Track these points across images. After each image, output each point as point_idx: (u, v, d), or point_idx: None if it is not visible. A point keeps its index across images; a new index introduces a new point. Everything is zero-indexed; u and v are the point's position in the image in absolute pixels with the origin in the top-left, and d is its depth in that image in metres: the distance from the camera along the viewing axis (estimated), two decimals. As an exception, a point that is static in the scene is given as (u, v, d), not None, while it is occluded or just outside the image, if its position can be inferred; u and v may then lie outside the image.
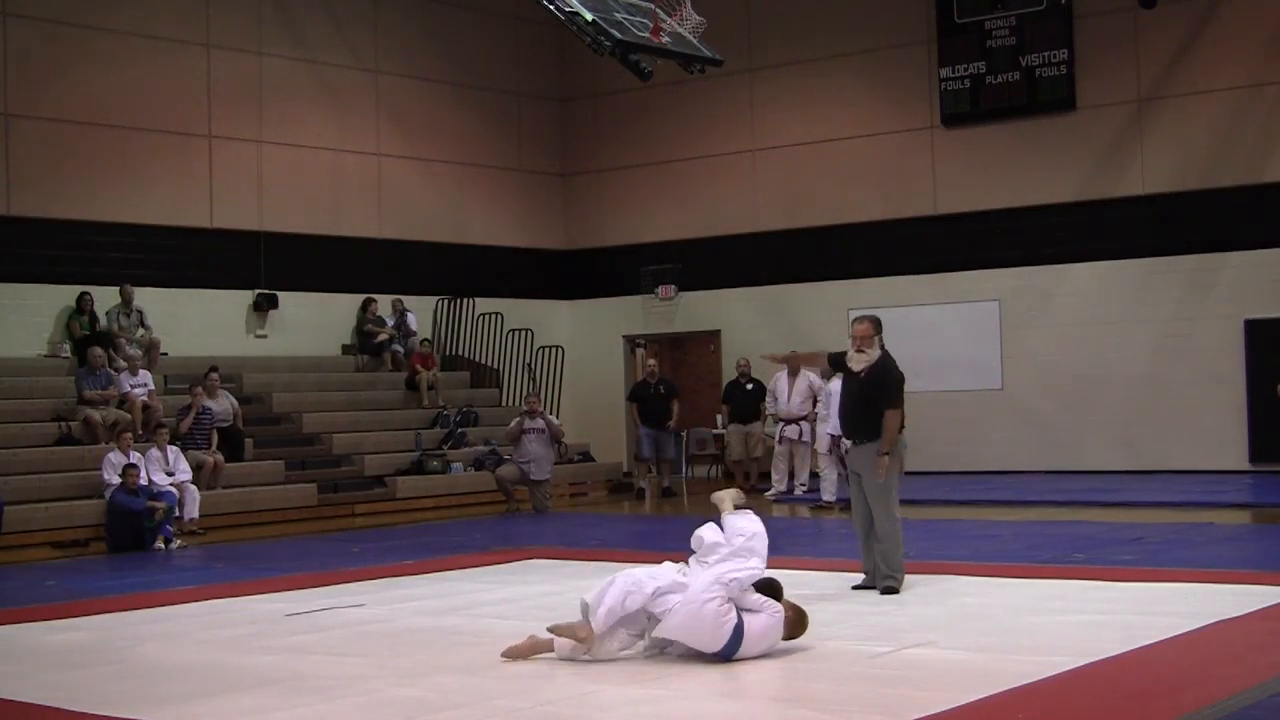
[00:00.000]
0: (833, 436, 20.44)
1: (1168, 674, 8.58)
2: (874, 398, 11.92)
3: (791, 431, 23.32)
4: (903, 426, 12.03)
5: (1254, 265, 22.94)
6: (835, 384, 21.70)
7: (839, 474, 20.61)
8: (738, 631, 8.99)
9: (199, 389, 20.88)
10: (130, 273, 22.64)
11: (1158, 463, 23.40)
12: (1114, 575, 12.71)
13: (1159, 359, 23.65)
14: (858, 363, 12.00)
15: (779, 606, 9.18)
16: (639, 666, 9.07)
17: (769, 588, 9.23)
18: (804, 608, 9.47)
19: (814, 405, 23.66)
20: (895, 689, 8.38)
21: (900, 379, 12.02)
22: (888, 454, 11.79)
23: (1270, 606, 10.74)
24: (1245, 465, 22.75)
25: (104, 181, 22.67)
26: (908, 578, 12.09)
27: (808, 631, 9.43)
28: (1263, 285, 22.80)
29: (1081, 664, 8.81)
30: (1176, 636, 9.66)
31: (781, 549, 16.61)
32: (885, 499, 11.95)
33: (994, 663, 9.02)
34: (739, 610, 9.05)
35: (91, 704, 8.60)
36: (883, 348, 12.07)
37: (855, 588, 12.04)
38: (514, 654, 9.39)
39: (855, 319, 12.32)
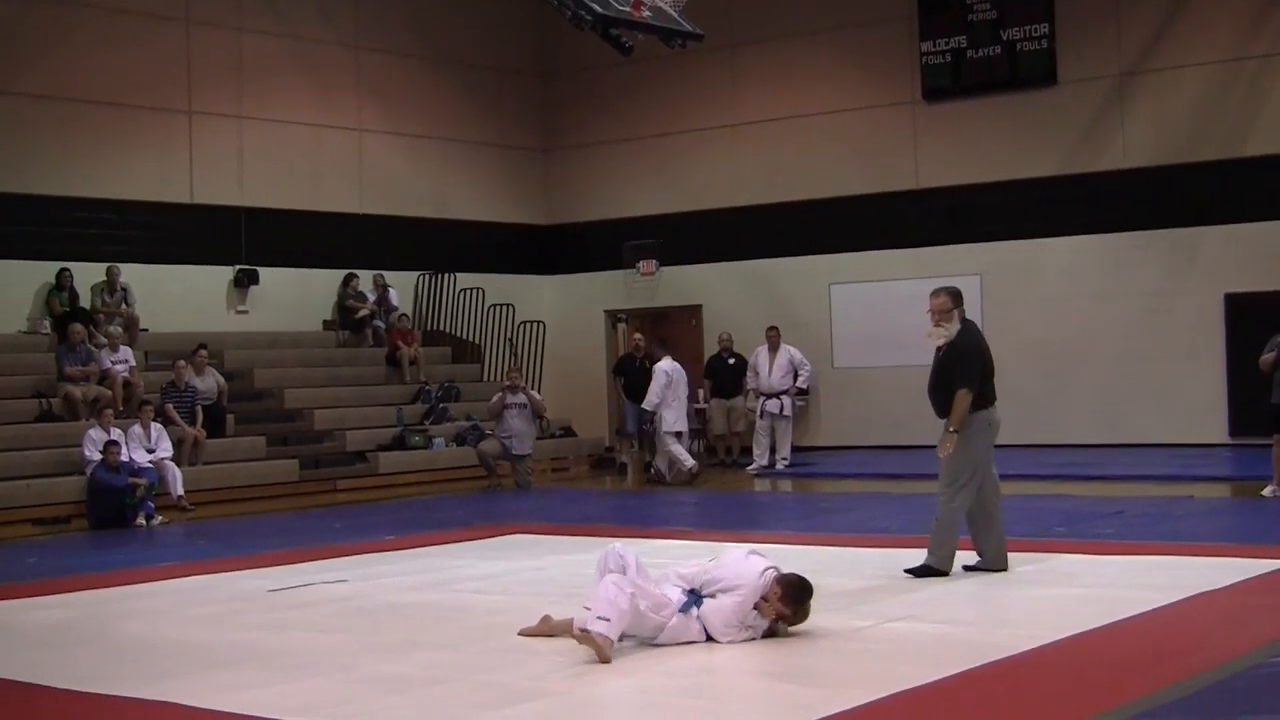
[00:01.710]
0: (649, 413, 22.42)
1: (1148, 647, 8.62)
2: (951, 375, 11.30)
3: (773, 406, 23.39)
4: (992, 400, 11.37)
5: (1234, 239, 22.97)
6: (665, 364, 22.38)
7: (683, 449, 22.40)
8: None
9: (182, 363, 20.85)
10: (110, 249, 22.59)
11: (1138, 436, 23.45)
12: (1094, 549, 12.76)
13: (1139, 333, 23.68)
14: (936, 338, 11.37)
15: (754, 586, 9.05)
16: (625, 642, 9.08)
17: (800, 588, 9.05)
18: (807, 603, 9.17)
19: (794, 380, 23.75)
20: (876, 663, 8.40)
21: (976, 353, 11.30)
22: (955, 431, 11.17)
23: (1249, 579, 10.78)
24: (1225, 439, 22.80)
25: (83, 158, 22.59)
26: (888, 553, 12.07)
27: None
28: (1243, 259, 22.82)
29: (1062, 637, 8.84)
30: (1156, 609, 9.69)
31: (763, 524, 16.68)
32: (948, 475, 11.29)
33: (975, 636, 9.05)
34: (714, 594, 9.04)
35: (73, 681, 8.60)
36: (963, 320, 11.39)
37: (967, 568, 11.39)
38: (528, 633, 9.39)
39: (932, 292, 11.52)
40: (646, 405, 22.37)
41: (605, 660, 8.57)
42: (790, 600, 8.92)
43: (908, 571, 11.21)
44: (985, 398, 11.28)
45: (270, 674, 8.63)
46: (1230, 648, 8.38)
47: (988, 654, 8.36)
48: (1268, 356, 16.67)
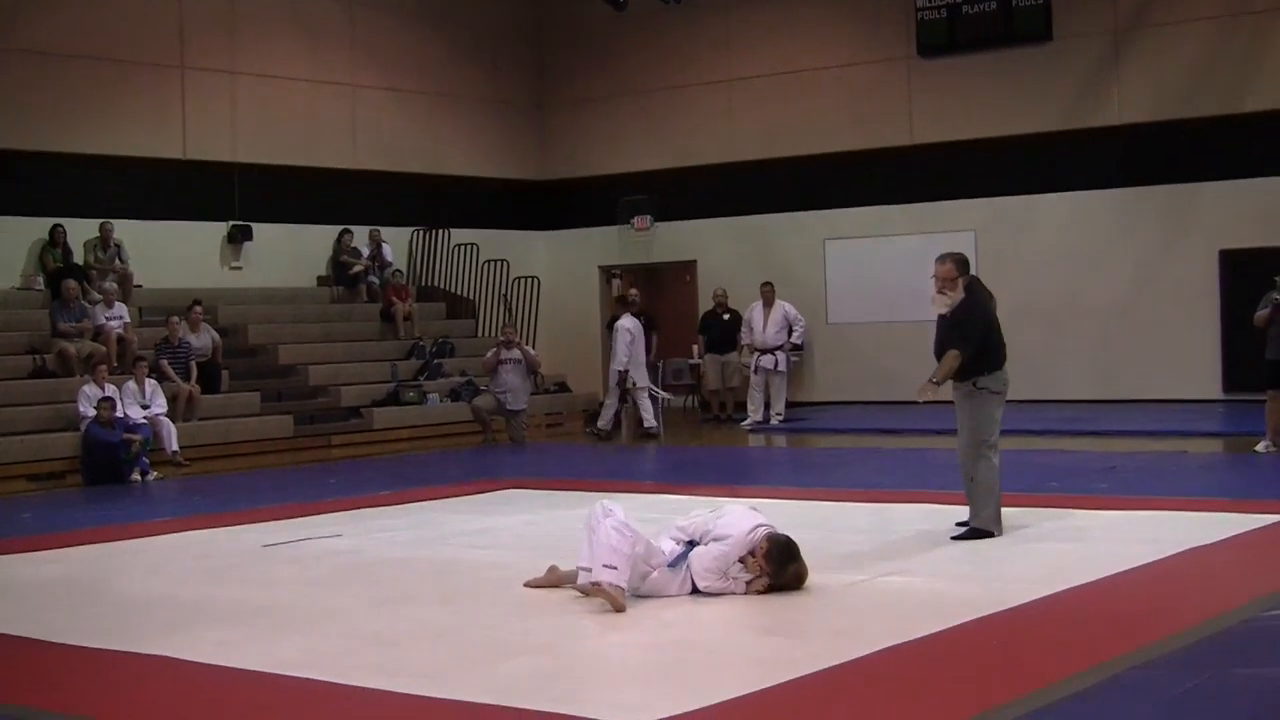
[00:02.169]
0: (619, 373, 22.64)
1: (1141, 601, 8.64)
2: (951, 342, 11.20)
3: (767, 361, 23.41)
4: (1002, 362, 11.26)
5: (1230, 195, 22.92)
6: (627, 321, 22.64)
7: (615, 406, 22.98)
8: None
9: (176, 319, 20.82)
10: (103, 205, 22.49)
11: (1132, 392, 23.46)
12: (1088, 504, 12.77)
13: (1134, 289, 23.66)
14: (940, 305, 11.27)
15: (742, 541, 9.06)
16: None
17: (784, 550, 9.03)
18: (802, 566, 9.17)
19: (789, 335, 23.75)
20: (870, 617, 8.43)
21: (977, 319, 11.15)
22: (937, 383, 11.09)
23: (1243, 534, 10.81)
24: (1219, 394, 22.81)
25: (75, 113, 22.49)
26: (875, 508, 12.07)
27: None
28: (1239, 215, 22.78)
29: (1055, 592, 8.87)
30: (1150, 564, 9.72)
31: (757, 480, 16.71)
32: (973, 438, 11.17)
33: (968, 591, 9.07)
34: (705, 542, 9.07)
35: (67, 636, 8.62)
36: (968, 288, 11.22)
37: (955, 538, 11.14)
38: (534, 584, 9.43)
39: (937, 258, 11.36)
40: (616, 365, 22.69)
41: (620, 609, 8.64)
42: (772, 560, 8.92)
43: (955, 538, 11.04)
44: (996, 359, 11.24)
45: (265, 629, 8.65)
46: (1224, 602, 8.41)
47: (981, 608, 8.38)
48: (1262, 313, 16.70)
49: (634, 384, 22.62)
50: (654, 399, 22.74)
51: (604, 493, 10.86)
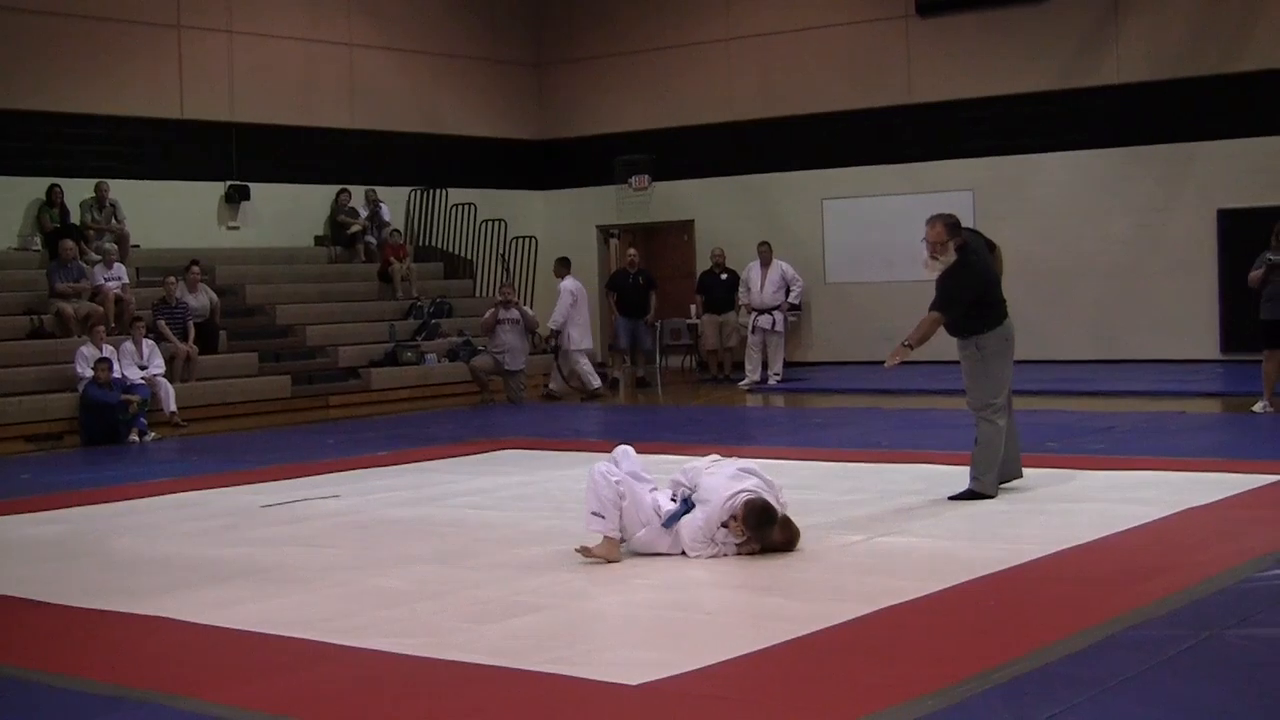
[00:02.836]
0: (553, 332, 23.15)
1: (1138, 561, 8.66)
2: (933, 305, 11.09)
3: (764, 321, 23.40)
4: (1003, 319, 11.12)
5: (1228, 155, 22.90)
6: (569, 282, 23.02)
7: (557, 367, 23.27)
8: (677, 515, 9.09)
9: (173, 279, 20.81)
10: (100, 164, 22.47)
11: (1130, 352, 23.47)
12: (1086, 464, 12.79)
13: (1132, 249, 23.65)
14: (932, 269, 11.08)
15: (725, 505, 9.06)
16: (621, 559, 9.12)
17: (760, 514, 8.97)
18: (792, 526, 9.18)
19: (786, 295, 23.74)
20: (868, 577, 8.45)
21: (964, 282, 10.92)
22: (908, 345, 10.91)
23: (1240, 494, 10.83)
24: (1216, 355, 22.82)
25: (72, 73, 22.44)
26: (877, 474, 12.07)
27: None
28: (1236, 175, 22.76)
29: (1052, 551, 8.89)
30: (1147, 524, 9.74)
31: (755, 440, 16.73)
32: (979, 399, 11.08)
33: (965, 551, 9.09)
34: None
35: (67, 596, 8.65)
36: (960, 249, 10.97)
37: (952, 498, 11.06)
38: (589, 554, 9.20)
39: (928, 220, 11.16)
40: (551, 324, 23.07)
41: (613, 559, 8.82)
42: (749, 525, 8.92)
43: (952, 498, 10.99)
44: (996, 317, 11.11)
45: (263, 589, 8.67)
46: (1220, 561, 8.43)
47: (978, 568, 8.41)
48: (1256, 273, 16.73)
49: (566, 345, 22.92)
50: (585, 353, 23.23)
51: (601, 453, 10.86)
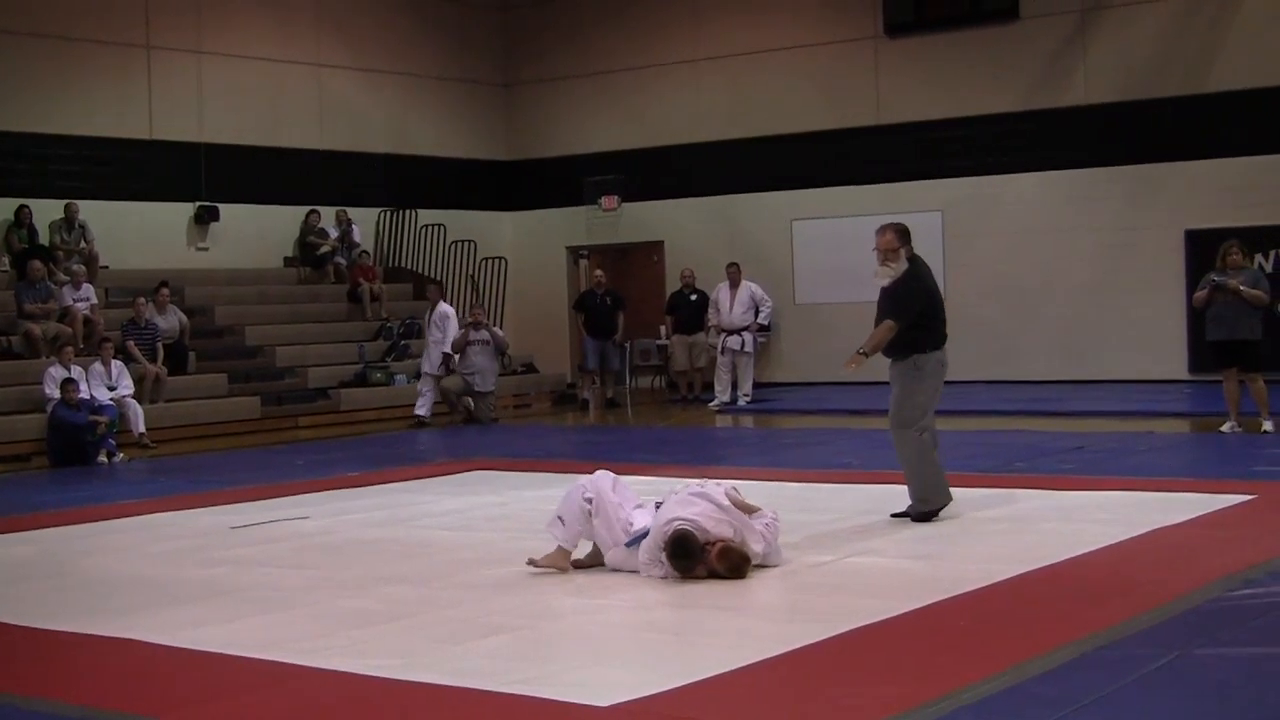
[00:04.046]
0: (445, 354, 22.12)
1: (1108, 580, 8.67)
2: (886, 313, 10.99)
3: (733, 342, 23.42)
4: (941, 342, 11.06)
5: (1196, 175, 23.00)
6: (449, 307, 22.44)
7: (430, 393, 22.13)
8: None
9: (142, 300, 20.76)
10: (69, 185, 22.44)
11: (1099, 372, 23.54)
12: (1055, 484, 12.81)
13: (1101, 269, 23.73)
14: (881, 277, 10.98)
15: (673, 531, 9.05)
16: (592, 578, 9.12)
17: (674, 545, 8.87)
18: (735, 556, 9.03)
19: (755, 316, 23.75)
20: (838, 596, 8.45)
21: (916, 293, 10.92)
22: (864, 353, 10.93)
23: (1208, 514, 10.85)
24: (1185, 375, 22.89)
25: (41, 93, 22.39)
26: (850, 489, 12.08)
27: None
28: (1204, 196, 22.86)
29: (1022, 571, 8.90)
30: (1116, 544, 9.75)
31: (725, 460, 16.72)
32: (901, 420, 10.96)
33: (936, 571, 9.09)
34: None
35: (36, 618, 8.60)
36: (911, 258, 10.98)
37: (895, 515, 11.00)
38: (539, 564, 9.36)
39: (878, 229, 11.09)
40: (452, 350, 22.21)
41: (563, 569, 9.11)
42: (666, 555, 8.90)
43: (896, 516, 10.92)
44: (936, 338, 11.04)
45: (233, 610, 8.64)
46: (1189, 581, 8.44)
47: (949, 588, 8.41)
48: (1201, 294, 16.80)
49: (456, 368, 22.26)
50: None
51: (571, 473, 10.85)
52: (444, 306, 22.54)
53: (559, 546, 9.22)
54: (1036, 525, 10.65)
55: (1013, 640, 7.31)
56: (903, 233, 11.03)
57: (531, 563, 9.24)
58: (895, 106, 25.36)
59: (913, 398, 10.96)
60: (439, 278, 26.56)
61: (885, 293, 11.03)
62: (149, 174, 23.68)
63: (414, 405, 22.18)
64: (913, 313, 10.88)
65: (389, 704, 6.60)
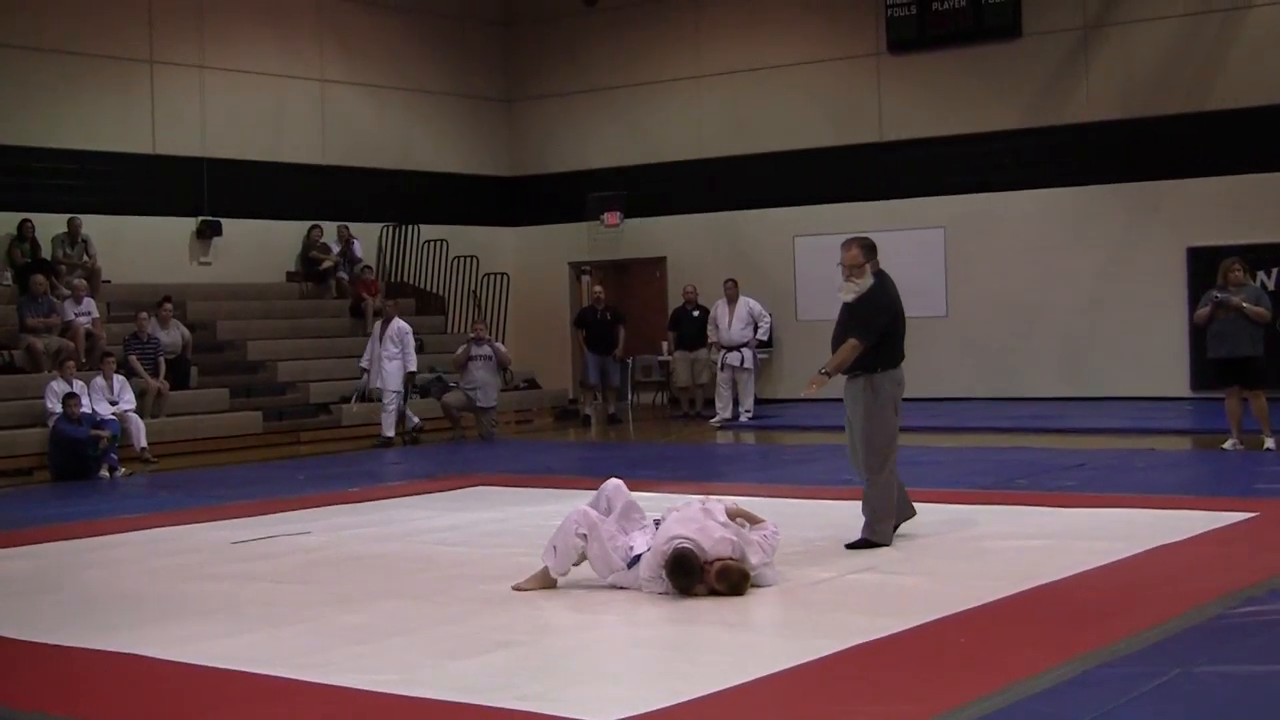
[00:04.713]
0: (408, 373, 21.60)
1: (1109, 598, 8.66)
2: (850, 330, 10.83)
3: (733, 358, 23.39)
4: (899, 360, 10.92)
5: (1197, 193, 23.01)
6: (398, 323, 21.68)
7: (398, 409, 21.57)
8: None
9: (144, 314, 20.78)
10: (72, 199, 22.44)
11: (1100, 389, 23.53)
12: (1056, 501, 12.81)
13: (1102, 286, 23.73)
14: (846, 292, 10.84)
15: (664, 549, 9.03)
16: (592, 595, 9.12)
17: (673, 563, 8.87)
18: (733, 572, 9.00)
19: (754, 332, 23.72)
20: (838, 614, 8.44)
21: (881, 308, 10.79)
22: (826, 373, 10.74)
23: (1210, 531, 10.85)
24: (1186, 392, 22.88)
25: (44, 107, 22.41)
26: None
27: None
28: (1206, 213, 22.87)
29: (1024, 589, 8.89)
30: (1118, 561, 9.74)
31: (726, 476, 16.72)
32: (868, 445, 10.73)
33: (937, 587, 9.09)
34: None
35: (36, 632, 8.59)
36: (876, 274, 10.83)
37: (849, 546, 10.62)
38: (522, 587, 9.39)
39: (843, 243, 10.89)
40: (415, 368, 21.88)
41: (539, 588, 9.20)
42: (666, 572, 8.91)
43: (848, 546, 10.60)
44: (895, 356, 10.87)
45: (234, 625, 8.63)
46: (1191, 598, 8.43)
47: (950, 605, 8.40)
48: (1203, 311, 16.78)
49: (379, 388, 21.70)
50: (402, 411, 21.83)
51: (573, 490, 10.85)
52: (400, 323, 21.94)
53: (545, 568, 9.24)
54: (1037, 542, 10.64)
55: (1013, 658, 7.30)
56: (868, 248, 10.88)
57: (518, 589, 9.27)
58: (898, 123, 25.38)
59: (883, 426, 10.74)
60: (441, 293, 26.61)
61: (849, 309, 10.88)
62: (152, 188, 23.69)
63: (420, 419, 22.18)
64: (878, 331, 10.72)
65: (389, 719, 6.59)
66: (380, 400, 21.76)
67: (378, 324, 22.15)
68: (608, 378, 24.61)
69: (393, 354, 21.63)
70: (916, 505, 11.40)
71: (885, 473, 10.69)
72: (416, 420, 22.15)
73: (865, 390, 10.78)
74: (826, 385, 10.84)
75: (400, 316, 22.34)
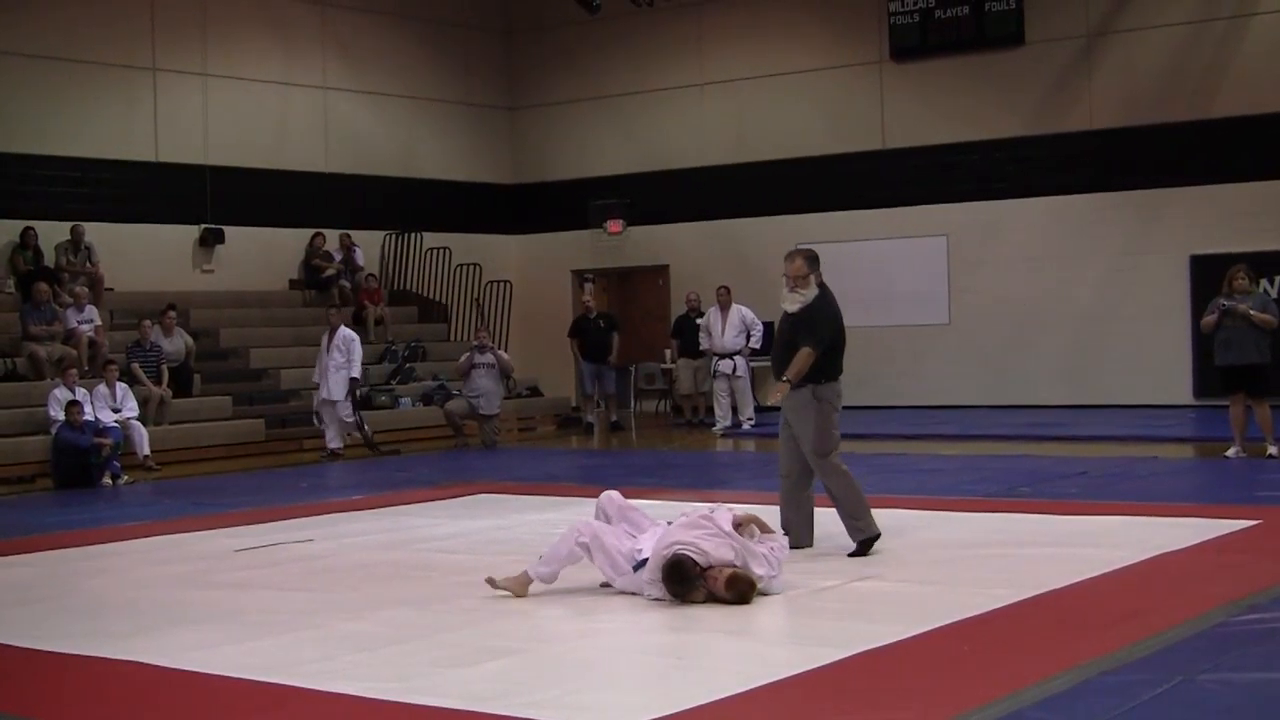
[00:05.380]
0: (352, 380, 21.11)
1: (1112, 605, 8.65)
2: (801, 337, 10.81)
3: (725, 366, 23.36)
4: (839, 372, 10.98)
5: (1200, 200, 23.02)
6: (344, 331, 21.12)
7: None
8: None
9: (147, 322, 20.79)
10: (75, 207, 22.46)
11: (1103, 397, 23.52)
12: (1059, 508, 12.79)
13: (1105, 294, 23.74)
14: (792, 303, 10.86)
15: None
16: (595, 601, 9.11)
17: (667, 569, 8.87)
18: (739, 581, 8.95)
19: (747, 340, 23.67)
20: (842, 622, 8.43)
21: (828, 319, 10.85)
22: (789, 381, 10.69)
23: (1213, 539, 10.83)
24: (1189, 400, 22.89)
25: (47, 115, 22.44)
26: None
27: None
28: (1209, 221, 22.87)
29: (1027, 596, 8.88)
30: (1121, 569, 9.73)
31: (726, 483, 16.71)
32: (818, 451, 10.75)
33: (939, 595, 9.07)
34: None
35: (39, 640, 8.58)
36: (820, 285, 10.90)
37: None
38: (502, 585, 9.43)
39: (787, 255, 10.99)
40: (358, 374, 21.43)
41: (519, 595, 9.24)
42: (661, 579, 8.90)
43: (851, 555, 10.60)
44: (836, 368, 10.93)
45: (236, 633, 8.62)
46: (1193, 606, 8.42)
47: (953, 612, 8.39)
48: (1209, 319, 16.76)
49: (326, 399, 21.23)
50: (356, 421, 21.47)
51: (574, 498, 10.85)
52: (346, 330, 21.57)
53: (525, 572, 9.25)
54: (1040, 550, 10.63)
55: (1016, 665, 7.28)
56: (812, 259, 10.96)
57: (490, 582, 9.31)
58: (901, 131, 25.40)
59: (823, 430, 10.80)
60: (444, 301, 26.61)
61: (793, 319, 10.90)
62: (154, 196, 23.71)
63: (422, 427, 22.15)
64: (826, 339, 10.79)
65: (391, 727, 6.59)
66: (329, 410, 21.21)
67: (324, 334, 21.57)
68: (604, 385, 24.62)
69: (339, 363, 21.18)
70: (919, 511, 11.42)
71: (837, 474, 10.78)
72: (367, 429, 21.72)
73: (806, 402, 10.82)
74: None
75: (359, 324, 22.30)
